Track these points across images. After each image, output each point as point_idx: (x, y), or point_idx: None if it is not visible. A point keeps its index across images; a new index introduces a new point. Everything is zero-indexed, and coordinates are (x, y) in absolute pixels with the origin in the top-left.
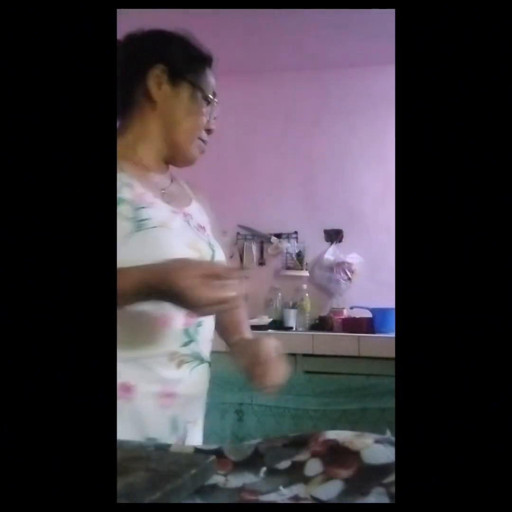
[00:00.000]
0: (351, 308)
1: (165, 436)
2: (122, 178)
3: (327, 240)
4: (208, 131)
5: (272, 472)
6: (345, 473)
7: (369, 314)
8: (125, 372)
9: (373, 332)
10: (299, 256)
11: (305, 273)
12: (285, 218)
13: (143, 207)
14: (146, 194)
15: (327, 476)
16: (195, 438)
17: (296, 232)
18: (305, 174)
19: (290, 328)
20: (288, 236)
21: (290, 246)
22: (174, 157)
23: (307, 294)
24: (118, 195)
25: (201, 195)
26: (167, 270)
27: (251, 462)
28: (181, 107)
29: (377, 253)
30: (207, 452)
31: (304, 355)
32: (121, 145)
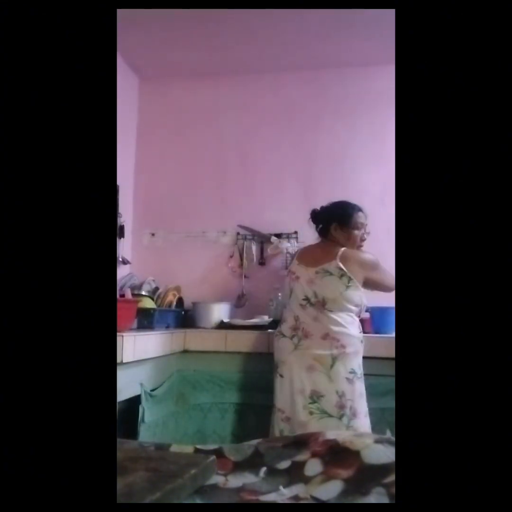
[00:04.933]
0: None
1: None
2: None
3: None
4: (363, 240)
5: (272, 472)
6: (345, 473)
7: (368, 314)
8: None
9: (370, 332)
10: None
11: None
12: (285, 218)
13: None
14: None
15: (327, 476)
16: None
17: (296, 232)
18: (305, 174)
19: None
20: (288, 236)
21: (290, 246)
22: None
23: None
24: None
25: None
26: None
27: (251, 462)
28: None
29: (377, 253)
30: (207, 452)
31: None
32: None
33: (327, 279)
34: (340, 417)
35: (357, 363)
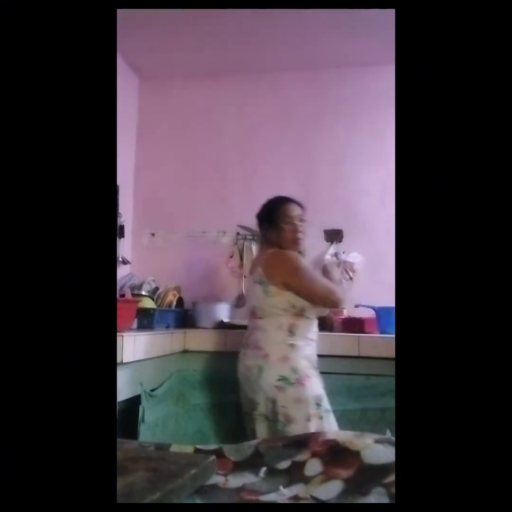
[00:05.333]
0: (356, 306)
1: None
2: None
3: (327, 240)
4: (299, 233)
5: (272, 472)
6: (345, 473)
7: (372, 313)
8: None
9: (375, 331)
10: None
11: None
12: None
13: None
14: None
15: (327, 476)
16: None
17: None
18: (305, 174)
19: None
20: None
21: None
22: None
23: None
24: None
25: None
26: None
27: (251, 462)
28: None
29: (377, 253)
30: (207, 452)
31: None
32: None
33: (254, 287)
34: (275, 422)
35: (288, 369)
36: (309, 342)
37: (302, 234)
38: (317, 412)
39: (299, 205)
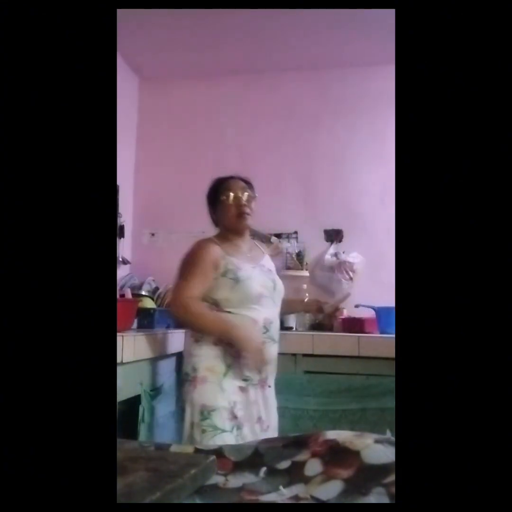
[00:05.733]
0: (356, 306)
1: None
2: (230, 260)
3: (327, 240)
4: (242, 207)
5: (272, 472)
6: (345, 473)
7: (372, 313)
8: None
9: (375, 331)
10: (299, 256)
11: (305, 273)
12: (285, 218)
13: (238, 270)
14: (239, 263)
15: (327, 476)
16: None
17: (296, 232)
18: (305, 174)
19: (290, 328)
20: (288, 236)
21: (290, 246)
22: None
23: (307, 294)
24: (228, 266)
25: (268, 248)
26: (237, 325)
27: (251, 462)
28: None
29: (377, 253)
30: (207, 452)
31: (304, 355)
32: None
33: None
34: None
35: (189, 365)
36: (230, 345)
37: (247, 208)
38: (200, 423)
39: (244, 181)
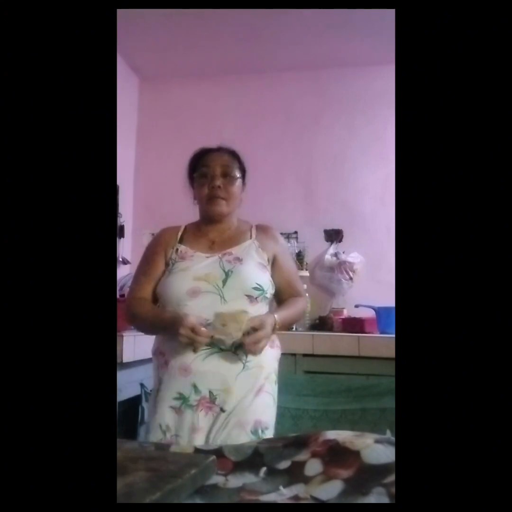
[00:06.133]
0: (356, 306)
1: None
2: (180, 248)
3: (327, 240)
4: (214, 189)
5: (272, 472)
6: (345, 473)
7: (372, 313)
8: None
9: (375, 331)
10: (299, 256)
11: (305, 273)
12: (285, 218)
13: (178, 261)
14: (188, 252)
15: (327, 476)
16: None
17: (296, 232)
18: (305, 174)
19: (290, 328)
20: (288, 236)
21: (290, 246)
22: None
23: (307, 294)
24: (172, 255)
25: (267, 234)
26: (172, 317)
27: (251, 462)
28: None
29: (377, 253)
30: (207, 452)
31: (304, 355)
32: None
33: None
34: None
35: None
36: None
37: (221, 192)
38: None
39: (233, 155)
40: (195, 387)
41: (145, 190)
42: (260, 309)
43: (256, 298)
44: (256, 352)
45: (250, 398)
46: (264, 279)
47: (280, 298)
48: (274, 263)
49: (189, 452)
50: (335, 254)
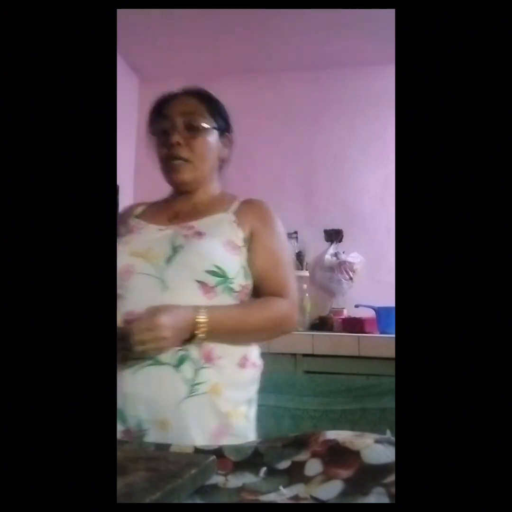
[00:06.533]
0: (356, 306)
1: None
2: (130, 222)
3: (327, 240)
4: (173, 147)
5: (272, 472)
6: (345, 473)
7: (372, 313)
8: None
9: (375, 331)
10: (299, 256)
11: (305, 273)
12: (285, 218)
13: (125, 235)
14: (139, 225)
15: (327, 476)
16: None
17: (296, 232)
18: (305, 174)
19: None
20: (288, 236)
21: (290, 246)
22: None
23: (307, 294)
24: (121, 230)
25: (252, 207)
26: None
27: (251, 462)
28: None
29: (377, 253)
30: (207, 452)
31: (304, 355)
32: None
33: None
34: None
35: None
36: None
37: (182, 151)
38: None
39: (204, 97)
40: (121, 413)
41: (145, 190)
42: (219, 304)
43: (213, 287)
44: (140, 351)
45: (198, 441)
46: (230, 262)
47: (256, 294)
48: (252, 244)
49: (189, 452)
50: (335, 254)
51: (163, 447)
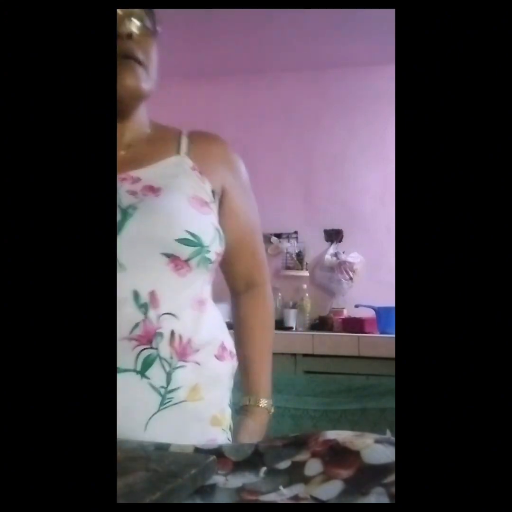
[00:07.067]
0: (356, 306)
1: None
2: None
3: (327, 240)
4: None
5: (272, 472)
6: (345, 473)
7: (372, 313)
8: None
9: (375, 331)
10: (299, 256)
11: (305, 273)
12: (285, 218)
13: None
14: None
15: (327, 476)
16: None
17: (296, 232)
18: (305, 174)
19: (290, 328)
20: (288, 236)
21: (290, 246)
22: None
23: (307, 294)
24: None
25: (210, 146)
26: None
27: (251, 462)
28: None
29: (377, 253)
30: (207, 452)
31: (304, 355)
32: None
33: None
34: None
35: None
36: None
37: (134, 46)
38: None
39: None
40: None
41: None
42: (195, 283)
43: (187, 260)
44: None
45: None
46: (203, 225)
47: (225, 269)
48: (223, 202)
49: (189, 452)
50: (335, 254)
51: (162, 447)
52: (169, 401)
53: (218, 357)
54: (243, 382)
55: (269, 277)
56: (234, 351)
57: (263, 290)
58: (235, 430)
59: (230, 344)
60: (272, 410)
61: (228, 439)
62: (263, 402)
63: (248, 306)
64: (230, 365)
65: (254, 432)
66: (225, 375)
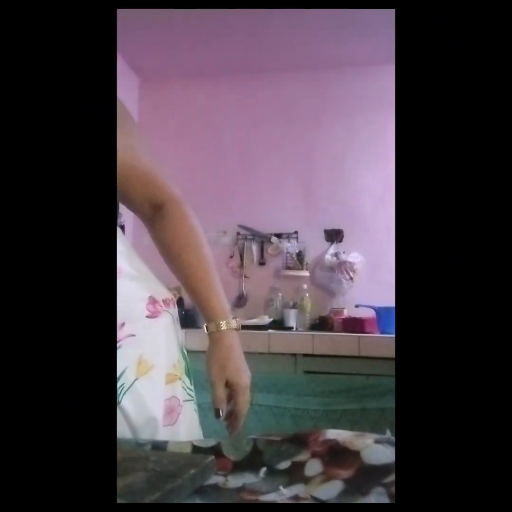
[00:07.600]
0: (356, 306)
1: None
2: None
3: (327, 240)
4: None
5: (272, 472)
6: (345, 473)
7: (372, 313)
8: None
9: (375, 331)
10: (299, 256)
11: (305, 273)
12: (285, 218)
13: None
14: None
15: (327, 476)
16: None
17: (296, 232)
18: (305, 174)
19: (290, 328)
20: (288, 236)
21: (290, 246)
22: None
23: (307, 294)
24: None
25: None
26: None
27: (251, 461)
28: None
29: (377, 253)
30: (204, 450)
31: (304, 355)
32: None
33: None
34: None
35: None
36: None
37: None
38: None
39: None
40: None
41: None
42: None
43: None
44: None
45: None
46: None
47: (122, 199)
48: None
49: (187, 450)
50: (335, 254)
51: (160, 445)
52: (121, 389)
53: (151, 316)
54: (199, 310)
55: (177, 193)
56: (166, 295)
57: (171, 206)
58: (206, 362)
59: (159, 292)
60: (235, 326)
61: (184, 387)
62: (223, 325)
63: (163, 229)
64: (167, 315)
65: (224, 359)
66: (164, 329)
